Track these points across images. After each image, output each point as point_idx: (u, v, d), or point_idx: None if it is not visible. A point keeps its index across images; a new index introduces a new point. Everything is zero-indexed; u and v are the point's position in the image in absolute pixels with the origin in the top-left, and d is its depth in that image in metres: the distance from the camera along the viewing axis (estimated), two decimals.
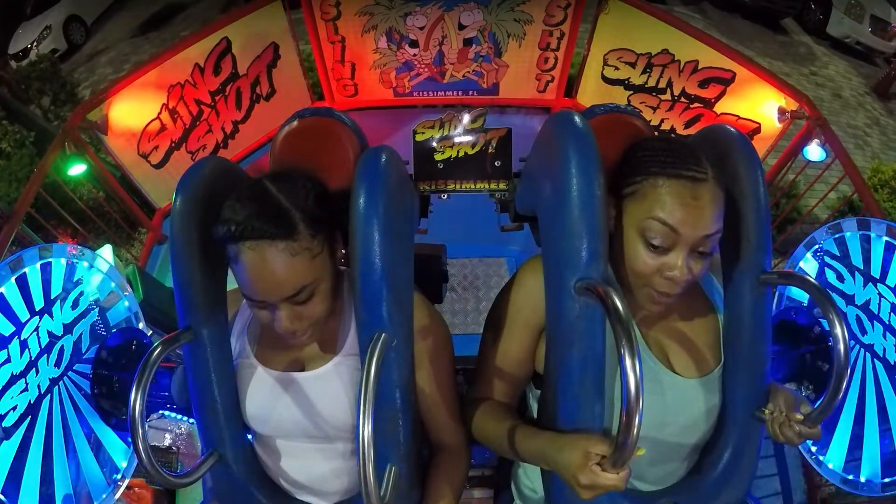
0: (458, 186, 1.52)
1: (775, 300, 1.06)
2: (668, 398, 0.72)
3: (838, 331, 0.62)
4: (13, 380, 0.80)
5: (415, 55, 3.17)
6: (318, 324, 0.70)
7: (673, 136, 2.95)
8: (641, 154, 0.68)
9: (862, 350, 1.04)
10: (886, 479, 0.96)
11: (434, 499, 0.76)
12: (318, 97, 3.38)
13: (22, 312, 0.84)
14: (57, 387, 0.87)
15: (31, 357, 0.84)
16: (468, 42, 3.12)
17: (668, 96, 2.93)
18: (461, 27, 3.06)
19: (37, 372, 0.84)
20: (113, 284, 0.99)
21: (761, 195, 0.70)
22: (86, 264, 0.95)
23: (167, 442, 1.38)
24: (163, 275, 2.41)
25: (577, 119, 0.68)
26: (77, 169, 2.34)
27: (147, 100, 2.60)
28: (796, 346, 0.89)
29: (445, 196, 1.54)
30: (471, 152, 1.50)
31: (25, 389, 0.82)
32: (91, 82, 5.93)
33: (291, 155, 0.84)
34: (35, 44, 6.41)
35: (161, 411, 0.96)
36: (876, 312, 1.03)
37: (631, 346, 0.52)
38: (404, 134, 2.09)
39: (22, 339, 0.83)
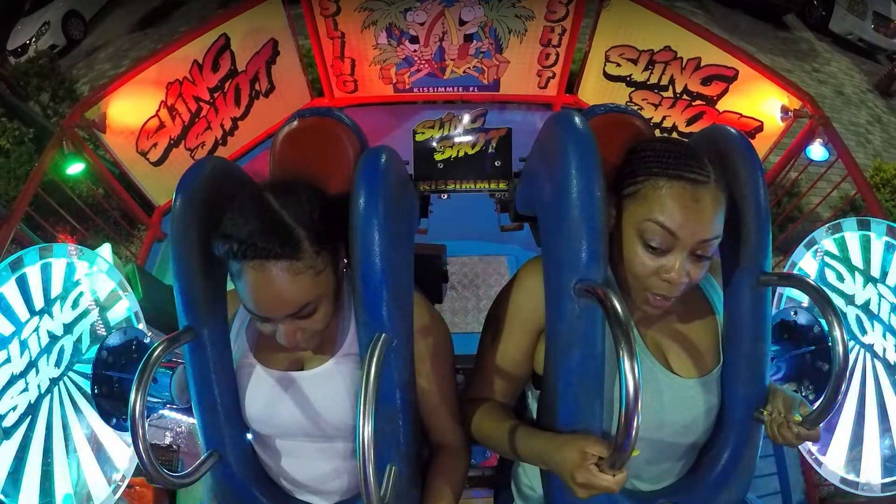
0: (458, 186, 1.51)
1: (775, 300, 1.06)
2: (666, 398, 0.72)
3: (837, 333, 0.62)
4: (13, 380, 0.81)
5: (415, 51, 3.16)
6: (320, 333, 0.70)
7: (675, 136, 2.94)
8: (644, 154, 0.67)
9: (862, 350, 1.04)
10: (886, 479, 0.97)
11: (434, 499, 0.76)
12: (317, 93, 3.37)
13: (22, 312, 0.84)
14: (57, 387, 0.87)
15: (31, 357, 0.84)
16: (469, 38, 3.11)
17: (670, 93, 2.92)
18: (462, 23, 3.05)
19: (37, 372, 0.84)
20: (113, 284, 0.99)
21: (761, 196, 0.70)
22: (86, 264, 0.95)
23: (168, 441, 1.38)
24: (162, 272, 2.41)
25: (577, 119, 0.68)
26: (75, 167, 2.34)
27: (145, 97, 2.60)
28: (796, 346, 0.89)
29: (445, 196, 1.54)
30: (471, 152, 1.49)
31: (25, 389, 0.82)
32: (90, 78, 5.90)
33: (291, 155, 0.83)
34: (34, 40, 6.38)
35: (161, 411, 0.96)
36: (876, 312, 1.03)
37: (630, 348, 0.52)
38: (404, 130, 2.09)
39: (22, 339, 0.83)
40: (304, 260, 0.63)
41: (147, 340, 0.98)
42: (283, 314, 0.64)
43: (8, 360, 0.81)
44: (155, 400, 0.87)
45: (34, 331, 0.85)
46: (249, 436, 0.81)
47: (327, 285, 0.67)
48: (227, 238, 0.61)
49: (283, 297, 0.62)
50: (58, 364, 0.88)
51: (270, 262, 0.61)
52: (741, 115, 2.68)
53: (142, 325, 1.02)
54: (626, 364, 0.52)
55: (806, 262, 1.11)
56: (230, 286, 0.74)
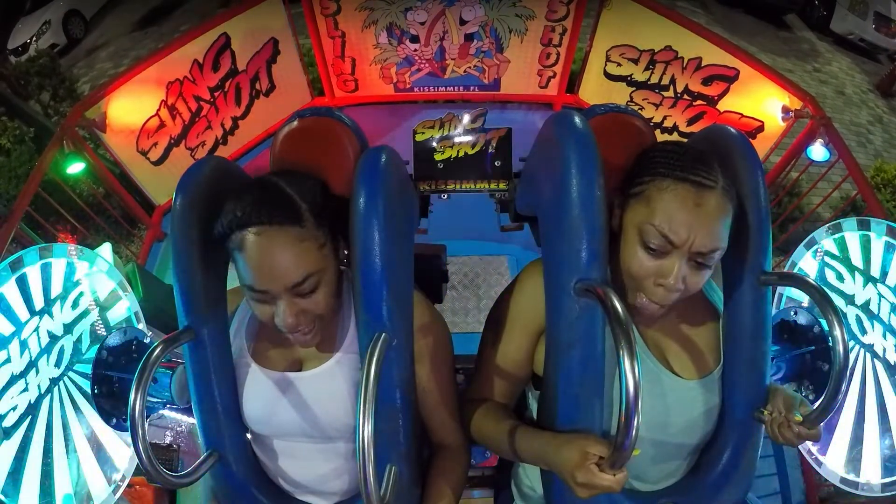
0: (458, 186, 1.52)
1: (775, 300, 1.06)
2: (669, 399, 0.72)
3: (837, 332, 0.62)
4: (13, 380, 0.81)
5: (415, 50, 3.16)
6: (321, 320, 0.69)
7: (676, 136, 2.93)
8: (653, 155, 0.67)
9: (862, 350, 1.04)
10: (886, 479, 0.97)
11: (434, 499, 0.76)
12: (318, 93, 3.37)
13: (22, 312, 0.84)
14: (57, 387, 0.87)
15: (31, 357, 0.84)
16: (469, 37, 3.11)
17: (670, 93, 2.91)
18: (462, 22, 3.05)
19: (37, 372, 0.84)
20: (113, 284, 0.99)
21: (761, 196, 0.70)
22: (86, 264, 0.95)
23: (168, 440, 1.38)
24: (162, 272, 2.41)
25: (577, 119, 0.68)
26: (75, 167, 2.34)
27: (146, 96, 2.60)
28: (796, 346, 0.89)
29: (445, 196, 1.54)
30: (471, 152, 1.49)
31: (25, 389, 0.82)
32: (90, 77, 5.91)
33: (291, 155, 0.83)
34: (34, 39, 6.38)
35: (161, 411, 0.96)
36: (876, 312, 1.03)
37: (630, 347, 0.52)
38: (404, 130, 2.09)
39: (22, 339, 0.83)
40: (306, 229, 0.63)
41: (147, 340, 0.98)
42: (285, 285, 0.63)
43: (8, 360, 0.81)
44: (155, 400, 0.87)
45: (34, 331, 0.85)
46: (249, 436, 0.81)
47: (329, 264, 0.67)
48: (228, 212, 0.62)
49: (286, 264, 0.62)
50: (58, 364, 0.88)
51: (273, 227, 0.61)
52: (742, 115, 2.67)
53: (142, 325, 1.02)
54: (626, 363, 0.52)
55: (806, 263, 1.11)
56: (230, 286, 0.74)
